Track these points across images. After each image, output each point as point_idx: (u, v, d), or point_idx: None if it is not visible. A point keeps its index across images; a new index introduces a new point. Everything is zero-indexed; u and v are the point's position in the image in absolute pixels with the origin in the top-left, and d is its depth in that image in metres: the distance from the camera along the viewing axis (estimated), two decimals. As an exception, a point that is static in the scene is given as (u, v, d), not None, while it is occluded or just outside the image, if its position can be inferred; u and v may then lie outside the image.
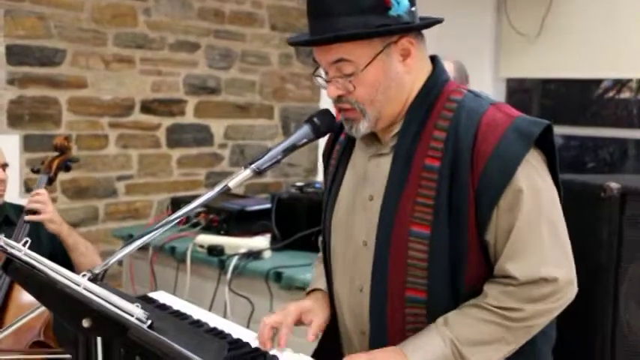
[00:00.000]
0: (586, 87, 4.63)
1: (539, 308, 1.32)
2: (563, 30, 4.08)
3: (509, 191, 1.30)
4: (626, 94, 4.66)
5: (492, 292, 1.32)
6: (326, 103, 1.46)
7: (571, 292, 1.35)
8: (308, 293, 1.64)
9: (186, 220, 3.08)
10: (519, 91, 4.72)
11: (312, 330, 1.49)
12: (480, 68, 4.37)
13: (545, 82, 4.70)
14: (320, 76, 1.41)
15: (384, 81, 1.36)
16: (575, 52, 4.05)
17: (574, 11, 4.04)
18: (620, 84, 4.56)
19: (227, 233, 2.92)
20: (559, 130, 4.53)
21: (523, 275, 1.30)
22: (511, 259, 1.31)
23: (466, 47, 4.08)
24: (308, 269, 2.40)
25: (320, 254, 1.69)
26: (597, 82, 4.56)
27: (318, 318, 1.52)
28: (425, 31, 1.43)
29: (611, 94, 4.71)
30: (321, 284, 1.61)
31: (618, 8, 3.85)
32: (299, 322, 1.52)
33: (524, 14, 4.21)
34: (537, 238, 1.31)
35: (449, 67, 2.88)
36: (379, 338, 1.40)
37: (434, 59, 1.46)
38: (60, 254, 2.26)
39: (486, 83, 4.39)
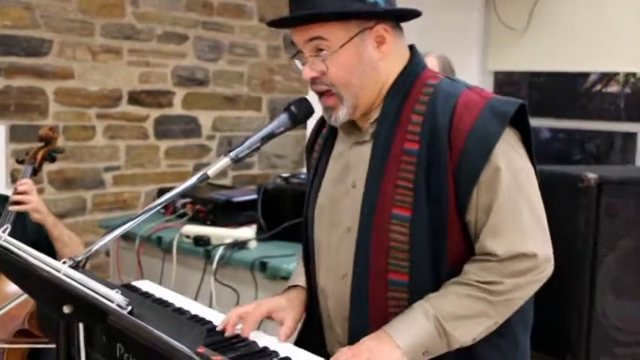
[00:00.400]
0: (573, 80, 4.65)
1: (519, 281, 1.34)
2: (550, 24, 4.11)
3: (488, 169, 1.33)
4: (613, 88, 4.69)
5: (472, 269, 1.35)
6: (314, 95, 1.48)
7: (549, 268, 1.38)
8: (287, 288, 1.65)
9: (173, 210, 3.10)
10: (507, 84, 4.73)
11: (283, 330, 1.50)
12: (469, 61, 4.40)
13: (533, 75, 4.73)
14: (298, 60, 1.44)
15: (358, 65, 1.39)
16: (563, 45, 4.08)
17: (562, 5, 4.07)
18: (607, 77, 4.59)
19: (213, 224, 2.92)
20: (546, 123, 4.57)
21: (504, 251, 1.33)
22: (492, 236, 1.34)
23: (455, 40, 4.10)
24: (293, 259, 2.42)
25: (300, 251, 1.70)
26: (584, 75, 4.59)
27: (289, 318, 1.53)
28: (414, 24, 1.45)
29: (598, 87, 4.75)
30: (301, 281, 1.63)
31: (605, 2, 3.89)
32: (269, 318, 1.55)
33: (513, 8, 4.23)
34: (517, 215, 1.34)
35: (434, 62, 2.89)
36: (360, 322, 1.41)
37: (411, 48, 1.49)
38: (44, 243, 2.28)
39: (474, 76, 4.41)
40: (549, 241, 1.39)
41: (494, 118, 1.34)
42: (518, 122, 1.38)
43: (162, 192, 3.38)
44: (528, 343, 1.50)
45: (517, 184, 1.34)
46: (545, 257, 1.36)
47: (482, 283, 1.33)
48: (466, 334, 1.34)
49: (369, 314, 1.40)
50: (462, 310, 1.33)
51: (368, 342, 1.34)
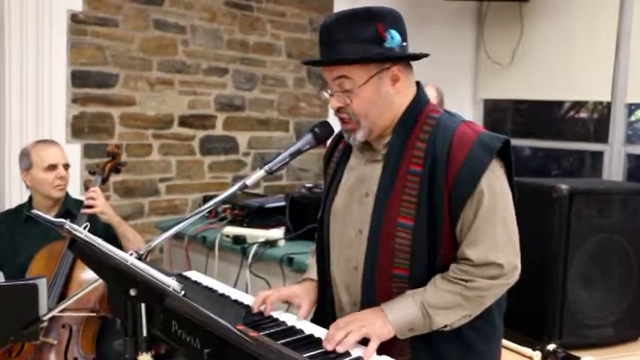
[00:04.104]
0: (550, 107, 4.64)
1: (490, 283, 1.38)
2: (531, 60, 4.13)
3: (475, 193, 1.35)
4: (583, 114, 4.68)
5: (454, 268, 1.39)
6: (332, 117, 1.51)
7: (515, 275, 1.40)
8: (302, 280, 1.67)
9: (215, 214, 3.13)
10: (495, 111, 4.73)
11: (301, 313, 1.53)
12: (462, 91, 4.42)
13: (517, 103, 4.72)
14: (325, 91, 1.46)
15: (377, 99, 1.40)
16: (542, 78, 4.09)
17: (540, 44, 4.08)
18: (578, 105, 4.58)
19: (249, 226, 2.95)
20: (528, 143, 4.56)
21: (477, 258, 1.36)
22: (469, 245, 1.37)
23: (451, 74, 4.12)
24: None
25: (313, 246, 1.71)
26: (560, 103, 4.58)
27: (305, 303, 1.56)
28: (419, 61, 1.46)
29: (571, 113, 4.74)
30: (313, 275, 1.64)
31: (576, 43, 3.90)
32: (288, 303, 1.58)
33: (499, 46, 4.26)
34: (491, 231, 1.36)
35: (432, 91, 2.96)
36: (370, 307, 1.42)
37: (417, 84, 1.50)
38: (111, 241, 2.32)
39: (467, 103, 4.43)
40: (518, 254, 1.41)
41: (484, 150, 1.36)
42: (503, 154, 1.40)
43: (206, 199, 3.42)
44: (502, 324, 1.52)
45: (495, 206, 1.37)
46: (511, 267, 1.39)
47: (461, 280, 1.37)
48: (443, 319, 1.38)
49: (376, 301, 1.42)
50: (443, 301, 1.37)
51: (364, 314, 1.38)
